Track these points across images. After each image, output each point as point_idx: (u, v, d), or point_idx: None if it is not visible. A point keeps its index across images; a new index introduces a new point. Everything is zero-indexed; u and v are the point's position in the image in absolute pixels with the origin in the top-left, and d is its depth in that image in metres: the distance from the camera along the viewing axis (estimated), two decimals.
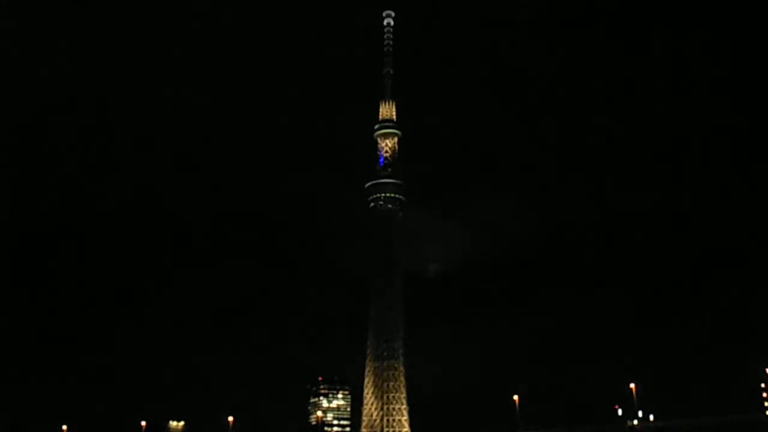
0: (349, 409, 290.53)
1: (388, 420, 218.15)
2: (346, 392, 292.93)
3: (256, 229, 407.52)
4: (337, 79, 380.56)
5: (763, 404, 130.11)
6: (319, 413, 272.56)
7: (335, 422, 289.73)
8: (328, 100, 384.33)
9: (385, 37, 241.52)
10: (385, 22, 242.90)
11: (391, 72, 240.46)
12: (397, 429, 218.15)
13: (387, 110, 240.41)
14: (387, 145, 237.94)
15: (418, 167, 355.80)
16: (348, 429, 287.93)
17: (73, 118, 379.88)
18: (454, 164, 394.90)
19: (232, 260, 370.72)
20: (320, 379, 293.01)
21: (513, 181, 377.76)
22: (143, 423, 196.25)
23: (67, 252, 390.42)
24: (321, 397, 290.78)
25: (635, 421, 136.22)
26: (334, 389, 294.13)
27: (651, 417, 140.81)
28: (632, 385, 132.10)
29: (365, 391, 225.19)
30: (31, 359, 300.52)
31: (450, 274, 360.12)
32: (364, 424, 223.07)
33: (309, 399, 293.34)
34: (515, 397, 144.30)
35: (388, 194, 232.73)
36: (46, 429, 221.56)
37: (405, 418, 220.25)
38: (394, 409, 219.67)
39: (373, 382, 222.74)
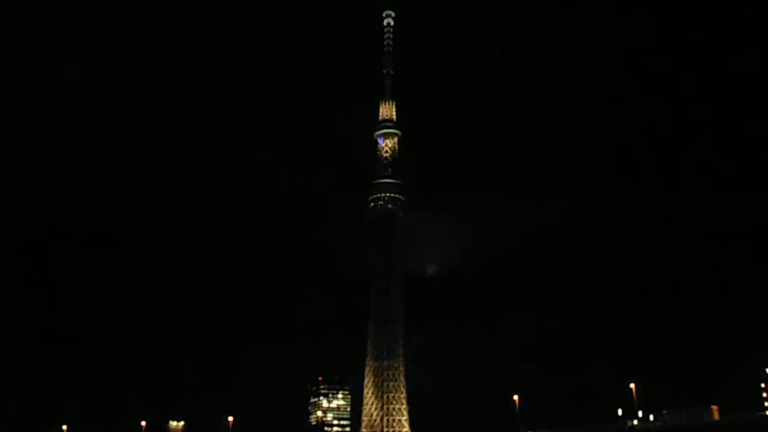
0: (349, 409, 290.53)
1: (388, 420, 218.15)
2: (346, 392, 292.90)
3: (255, 229, 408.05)
4: (337, 79, 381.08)
5: (763, 404, 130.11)
6: (319, 413, 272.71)
7: (335, 422, 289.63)
8: (328, 100, 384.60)
9: (385, 37, 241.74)
10: (385, 22, 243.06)
11: (391, 72, 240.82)
12: (397, 429, 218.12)
13: (387, 110, 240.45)
14: (387, 145, 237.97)
15: (418, 167, 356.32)
16: (348, 429, 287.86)
17: (71, 115, 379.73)
18: (454, 164, 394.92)
19: (231, 260, 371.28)
20: (320, 379, 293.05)
21: (513, 181, 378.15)
22: (143, 423, 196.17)
23: (67, 251, 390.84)
24: (321, 397, 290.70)
25: (635, 421, 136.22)
26: (334, 389, 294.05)
27: (651, 417, 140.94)
28: (632, 385, 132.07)
29: (365, 391, 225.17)
30: (32, 359, 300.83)
31: (450, 274, 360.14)
32: (364, 424, 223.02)
33: (309, 399, 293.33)
34: (515, 397, 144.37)
35: (388, 194, 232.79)
36: (46, 429, 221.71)
37: (405, 418, 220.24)
38: (394, 409, 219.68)
39: (373, 382, 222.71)
